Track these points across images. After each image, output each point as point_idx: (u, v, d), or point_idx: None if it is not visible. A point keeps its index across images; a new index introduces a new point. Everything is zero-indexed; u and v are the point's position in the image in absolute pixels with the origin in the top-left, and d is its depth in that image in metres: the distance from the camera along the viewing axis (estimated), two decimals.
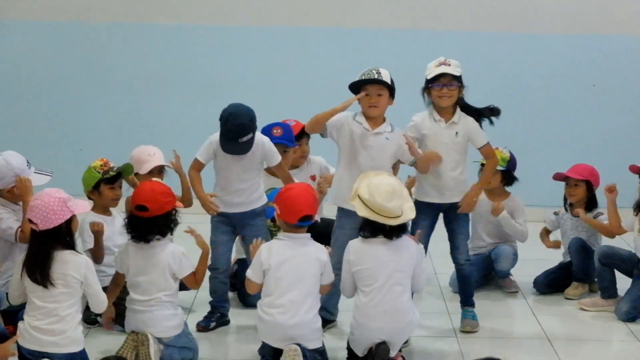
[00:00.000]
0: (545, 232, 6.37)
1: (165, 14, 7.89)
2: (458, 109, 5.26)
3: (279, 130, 5.76)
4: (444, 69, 5.18)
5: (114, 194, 5.24)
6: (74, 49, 7.97)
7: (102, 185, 5.22)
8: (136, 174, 5.43)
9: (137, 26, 7.90)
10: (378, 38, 7.83)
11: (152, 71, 8.01)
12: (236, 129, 5.05)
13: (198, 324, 5.34)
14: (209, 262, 5.24)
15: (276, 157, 5.31)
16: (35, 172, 5.07)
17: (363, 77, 5.05)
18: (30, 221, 4.40)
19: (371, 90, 5.04)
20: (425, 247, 5.33)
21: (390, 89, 5.07)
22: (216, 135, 5.20)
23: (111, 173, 5.18)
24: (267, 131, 5.73)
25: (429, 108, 5.27)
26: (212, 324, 5.37)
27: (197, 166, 5.25)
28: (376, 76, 5.02)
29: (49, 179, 5.12)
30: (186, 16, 7.95)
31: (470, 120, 5.26)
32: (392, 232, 4.68)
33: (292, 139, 5.80)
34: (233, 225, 5.30)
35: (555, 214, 6.27)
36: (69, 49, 7.96)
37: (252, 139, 5.13)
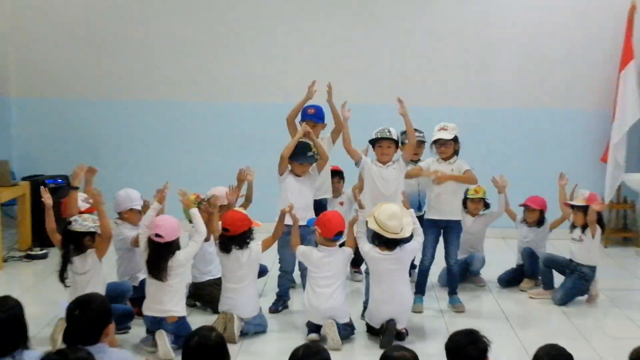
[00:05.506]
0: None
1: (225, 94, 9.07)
2: (455, 155, 6.32)
3: (312, 110, 6.57)
4: (441, 135, 6.28)
5: (204, 217, 5.88)
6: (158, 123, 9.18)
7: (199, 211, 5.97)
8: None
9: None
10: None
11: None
12: (303, 145, 6.24)
13: (270, 308, 6.22)
14: (280, 265, 6.24)
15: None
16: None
17: (379, 135, 6.08)
18: (158, 235, 5.25)
19: (384, 144, 6.10)
20: (432, 256, 6.27)
21: (396, 142, 6.14)
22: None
23: (204, 203, 6.10)
24: (304, 110, 6.52)
25: (435, 155, 6.38)
26: (280, 308, 6.30)
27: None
28: (387, 134, 6.09)
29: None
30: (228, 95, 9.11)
31: (463, 161, 6.34)
32: (390, 244, 5.52)
33: (321, 117, 6.53)
34: None
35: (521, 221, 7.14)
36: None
37: (313, 156, 6.23)
